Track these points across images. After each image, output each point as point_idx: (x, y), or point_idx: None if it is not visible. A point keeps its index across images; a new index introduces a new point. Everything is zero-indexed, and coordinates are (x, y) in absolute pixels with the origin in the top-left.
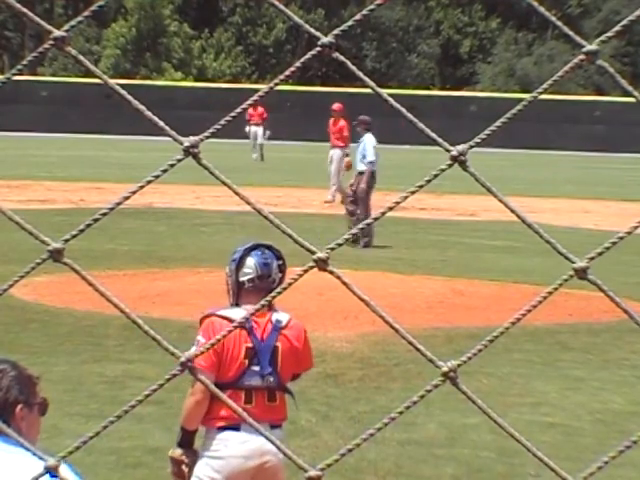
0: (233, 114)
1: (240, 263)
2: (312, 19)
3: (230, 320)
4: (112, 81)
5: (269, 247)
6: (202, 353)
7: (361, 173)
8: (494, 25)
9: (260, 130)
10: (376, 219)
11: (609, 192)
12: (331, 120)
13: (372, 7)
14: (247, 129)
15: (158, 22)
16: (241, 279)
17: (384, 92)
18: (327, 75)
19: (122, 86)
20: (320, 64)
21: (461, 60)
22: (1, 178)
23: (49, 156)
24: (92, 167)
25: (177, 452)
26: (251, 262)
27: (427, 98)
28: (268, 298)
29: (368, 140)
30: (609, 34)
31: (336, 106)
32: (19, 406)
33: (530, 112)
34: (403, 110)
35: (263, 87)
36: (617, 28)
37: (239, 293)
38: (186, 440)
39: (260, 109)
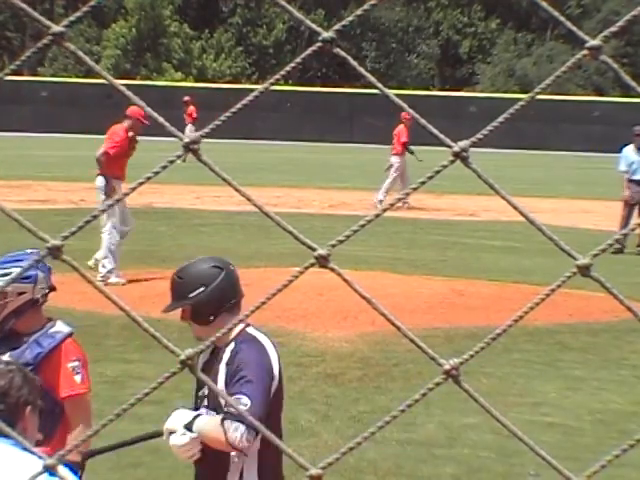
0: (233, 110)
1: (36, 280)
2: (312, 19)
3: None
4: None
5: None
6: (201, 351)
7: (637, 182)
8: (493, 26)
9: (188, 129)
10: (377, 216)
11: (609, 192)
12: (403, 127)
13: (374, 2)
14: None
15: (158, 22)
16: (36, 296)
17: (384, 89)
18: (327, 75)
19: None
20: (320, 64)
21: (460, 60)
22: (1, 178)
23: (49, 156)
24: (92, 167)
25: None
26: (42, 276)
27: (427, 98)
28: (267, 298)
29: None
30: (612, 29)
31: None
32: (29, 407)
33: (530, 112)
34: (404, 105)
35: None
36: (620, 23)
37: (29, 311)
38: None
39: (191, 108)
